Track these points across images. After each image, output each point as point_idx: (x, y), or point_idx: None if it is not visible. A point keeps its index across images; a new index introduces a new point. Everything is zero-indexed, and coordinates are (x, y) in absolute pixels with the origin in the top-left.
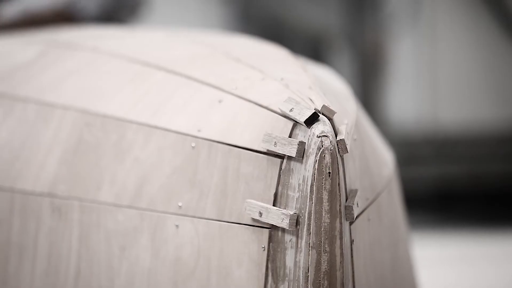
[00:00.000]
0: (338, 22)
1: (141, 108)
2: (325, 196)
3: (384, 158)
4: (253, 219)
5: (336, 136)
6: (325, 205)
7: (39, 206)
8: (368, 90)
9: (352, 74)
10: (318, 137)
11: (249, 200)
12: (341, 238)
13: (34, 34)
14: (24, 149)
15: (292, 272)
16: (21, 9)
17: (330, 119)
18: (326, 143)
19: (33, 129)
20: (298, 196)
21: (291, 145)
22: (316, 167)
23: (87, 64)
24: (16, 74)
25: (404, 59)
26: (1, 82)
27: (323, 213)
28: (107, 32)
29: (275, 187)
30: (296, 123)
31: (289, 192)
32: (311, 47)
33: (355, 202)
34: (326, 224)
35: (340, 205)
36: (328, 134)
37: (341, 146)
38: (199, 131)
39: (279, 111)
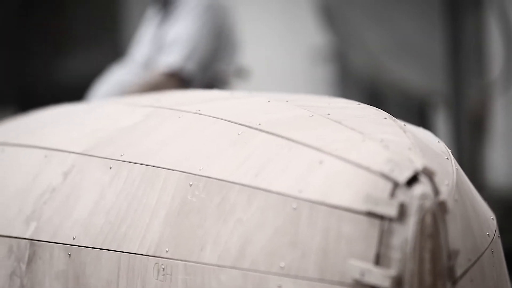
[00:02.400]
0: (439, 84)
1: (243, 170)
2: (427, 257)
3: (486, 218)
4: (355, 280)
5: (437, 197)
6: (427, 266)
7: (144, 267)
8: (468, 151)
9: (452, 135)
10: (419, 198)
11: (350, 260)
12: None
13: (139, 99)
14: (130, 211)
15: None
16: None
17: (430, 180)
18: (427, 204)
19: (138, 191)
20: (400, 257)
21: (392, 206)
22: (418, 228)
23: (191, 127)
24: (123, 137)
25: (500, 120)
26: (108, 145)
27: (425, 274)
28: (209, 95)
29: (376, 247)
30: (396, 184)
31: (391, 253)
32: (410, 109)
33: (457, 263)
34: (428, 285)
35: (442, 266)
36: (428, 195)
37: (442, 207)
38: (300, 192)
39: (379, 172)
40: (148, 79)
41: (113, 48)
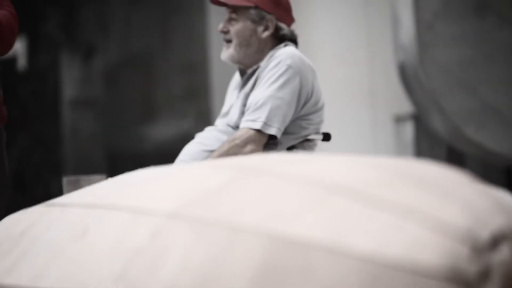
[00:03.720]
0: None
1: (326, 233)
2: None
3: None
4: None
5: None
6: None
7: None
8: None
9: None
10: (501, 262)
11: None
12: None
13: (224, 161)
14: (215, 272)
15: None
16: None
17: None
18: (510, 268)
19: (223, 252)
20: None
21: (474, 270)
22: None
23: (274, 188)
24: (208, 199)
25: None
26: (194, 207)
27: None
28: (292, 157)
29: None
30: (478, 248)
31: None
32: (492, 170)
33: None
34: None
35: None
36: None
37: None
38: (381, 254)
39: (460, 236)
40: (232, 142)
41: (198, 114)
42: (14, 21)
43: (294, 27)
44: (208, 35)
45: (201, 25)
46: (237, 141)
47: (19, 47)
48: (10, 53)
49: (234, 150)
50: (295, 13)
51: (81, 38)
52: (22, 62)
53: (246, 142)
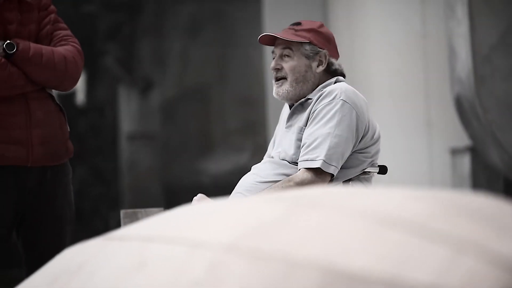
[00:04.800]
0: None
1: (383, 266)
2: None
3: None
4: None
5: None
6: None
7: None
8: None
9: None
10: None
11: None
12: None
13: (281, 194)
14: None
15: None
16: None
17: None
18: None
19: (278, 285)
20: None
21: None
22: None
23: (331, 222)
24: (264, 231)
25: None
26: (250, 239)
27: None
28: (349, 191)
29: None
30: None
31: None
32: None
33: None
34: None
35: None
36: None
37: None
38: (439, 287)
39: None
40: (290, 182)
41: (255, 148)
42: (79, 57)
43: (351, 60)
44: (265, 69)
45: (258, 59)
46: (296, 180)
47: (78, 82)
48: None
49: (290, 184)
50: (353, 46)
51: (139, 72)
52: (81, 97)
53: (304, 183)
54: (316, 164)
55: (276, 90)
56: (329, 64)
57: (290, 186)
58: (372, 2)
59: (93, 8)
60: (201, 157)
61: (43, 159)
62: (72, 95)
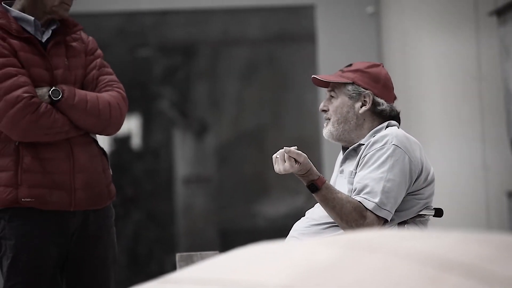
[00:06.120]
0: None
1: None
2: None
3: None
4: None
5: None
6: None
7: None
8: None
9: None
10: None
11: None
12: None
13: (336, 237)
14: None
15: None
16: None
17: None
18: None
19: None
20: None
21: None
22: None
23: (386, 266)
24: (319, 274)
25: None
26: (304, 281)
27: None
28: (404, 234)
29: None
30: None
31: None
32: None
33: None
34: None
35: None
36: None
37: None
38: None
39: None
40: (354, 201)
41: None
42: (123, 103)
43: (406, 103)
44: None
45: (312, 101)
46: (355, 208)
47: (133, 126)
48: (125, 131)
49: (345, 228)
50: (407, 86)
51: (194, 115)
52: (136, 140)
53: (358, 221)
54: (369, 206)
55: (323, 131)
56: (375, 105)
57: (348, 208)
58: (427, 42)
59: (149, 52)
60: (256, 200)
61: (86, 203)
62: (128, 139)
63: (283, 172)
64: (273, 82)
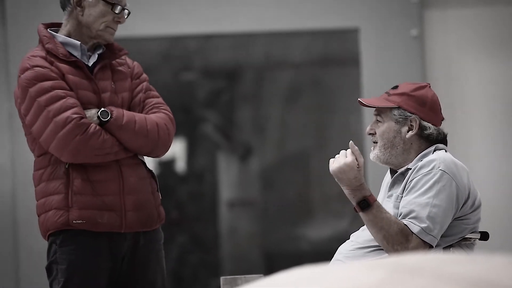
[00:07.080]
0: None
1: None
2: None
3: None
4: None
5: None
6: None
7: None
8: None
9: None
10: None
11: None
12: None
13: (380, 261)
14: None
15: None
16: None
17: None
18: None
19: None
20: None
21: None
22: None
23: None
24: None
25: None
26: None
27: None
28: (447, 258)
29: None
30: None
31: None
32: None
33: None
34: None
35: None
36: None
37: None
38: None
39: None
40: (400, 223)
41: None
42: (171, 124)
43: (451, 126)
44: (364, 134)
45: (357, 124)
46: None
47: (178, 149)
48: (170, 155)
49: (391, 252)
50: (453, 111)
51: (238, 139)
52: (181, 164)
53: (404, 246)
54: (414, 230)
55: (370, 154)
56: (422, 129)
57: (395, 229)
58: (472, 65)
59: (192, 76)
60: (301, 223)
61: (136, 225)
62: (172, 162)
63: (343, 166)
64: (317, 106)
